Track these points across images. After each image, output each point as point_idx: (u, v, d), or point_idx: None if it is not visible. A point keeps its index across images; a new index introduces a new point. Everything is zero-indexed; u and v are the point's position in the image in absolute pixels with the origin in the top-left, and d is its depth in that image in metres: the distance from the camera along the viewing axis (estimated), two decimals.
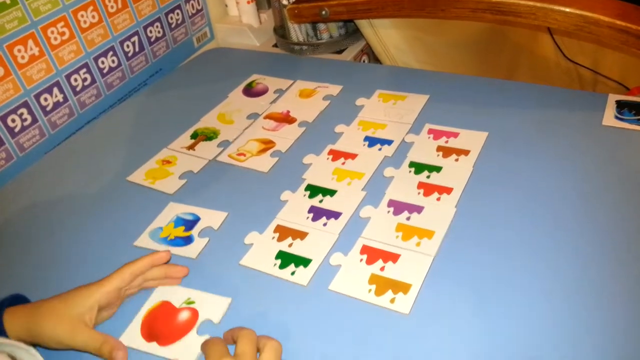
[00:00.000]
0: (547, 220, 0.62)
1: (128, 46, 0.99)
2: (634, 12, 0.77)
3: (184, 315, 0.56)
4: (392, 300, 0.55)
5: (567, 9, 0.75)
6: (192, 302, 0.57)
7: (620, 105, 0.77)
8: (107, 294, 0.54)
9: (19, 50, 0.81)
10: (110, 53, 0.96)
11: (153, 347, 0.54)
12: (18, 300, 0.56)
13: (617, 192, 0.64)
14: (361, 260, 0.60)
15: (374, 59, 1.16)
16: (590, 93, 0.86)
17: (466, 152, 0.73)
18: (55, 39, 0.86)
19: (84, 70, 0.92)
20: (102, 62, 0.95)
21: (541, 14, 0.76)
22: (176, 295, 0.59)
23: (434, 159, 0.73)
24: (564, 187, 0.66)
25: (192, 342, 0.54)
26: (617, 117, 0.75)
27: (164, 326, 0.56)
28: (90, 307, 0.53)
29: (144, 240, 0.67)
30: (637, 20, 0.75)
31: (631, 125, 0.73)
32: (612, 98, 0.79)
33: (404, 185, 0.70)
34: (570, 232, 0.60)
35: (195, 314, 0.56)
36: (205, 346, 0.50)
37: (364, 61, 1.16)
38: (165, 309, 0.57)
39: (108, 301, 0.54)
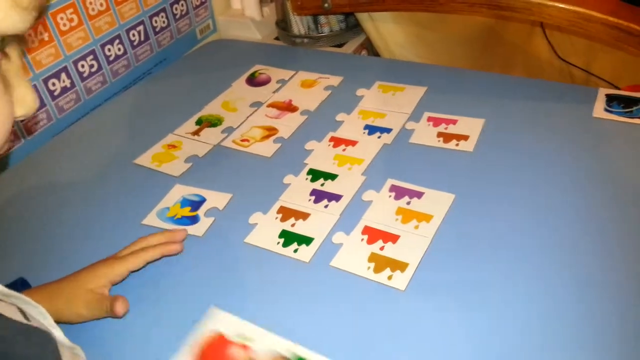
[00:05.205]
0: (540, 205, 0.64)
1: (134, 35, 1.01)
2: (626, 9, 0.81)
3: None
4: (390, 277, 0.58)
5: (562, 5, 0.78)
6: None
7: (610, 99, 0.80)
8: (120, 276, 0.58)
9: (29, 35, 0.83)
10: (117, 41, 0.98)
11: None
12: (24, 285, 0.59)
13: (606, 179, 0.67)
14: (362, 239, 0.63)
15: (373, 52, 1.19)
16: (582, 87, 0.89)
17: (465, 138, 0.76)
18: (64, 25, 0.88)
19: (91, 57, 0.94)
20: (109, 50, 0.97)
21: (536, 9, 0.80)
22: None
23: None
24: (556, 174, 0.69)
25: None
26: (606, 110, 0.78)
27: None
28: (104, 285, 0.57)
29: (152, 219, 0.69)
30: (629, 17, 0.78)
31: (620, 117, 0.76)
32: (603, 92, 0.82)
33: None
34: (560, 218, 0.62)
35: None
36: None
37: (363, 55, 1.19)
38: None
39: (120, 280, 0.58)
